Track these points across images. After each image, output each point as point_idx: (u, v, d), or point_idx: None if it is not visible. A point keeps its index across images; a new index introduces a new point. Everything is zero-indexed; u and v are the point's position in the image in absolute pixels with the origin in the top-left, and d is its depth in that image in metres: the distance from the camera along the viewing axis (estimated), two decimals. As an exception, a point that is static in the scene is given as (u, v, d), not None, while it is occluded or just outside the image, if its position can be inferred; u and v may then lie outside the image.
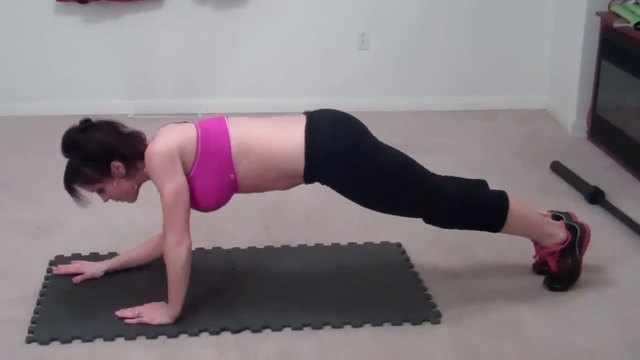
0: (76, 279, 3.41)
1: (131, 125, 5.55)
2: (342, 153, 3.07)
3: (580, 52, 5.26)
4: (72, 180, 3.10)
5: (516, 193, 4.24)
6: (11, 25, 5.46)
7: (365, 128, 3.23)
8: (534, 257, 3.50)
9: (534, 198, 4.22)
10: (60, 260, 3.59)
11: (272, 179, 3.12)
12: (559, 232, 3.37)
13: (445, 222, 3.29)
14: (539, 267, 3.50)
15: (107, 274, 3.44)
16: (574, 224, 3.41)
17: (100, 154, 3.04)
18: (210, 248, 3.69)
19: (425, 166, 4.74)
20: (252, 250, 3.72)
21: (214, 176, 3.07)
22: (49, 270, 3.51)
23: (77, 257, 3.61)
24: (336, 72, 5.75)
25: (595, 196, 4.27)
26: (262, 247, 3.75)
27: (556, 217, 3.48)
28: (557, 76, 5.72)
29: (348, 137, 3.12)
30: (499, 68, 5.85)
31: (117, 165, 3.05)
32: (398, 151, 3.25)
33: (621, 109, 5.00)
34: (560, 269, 3.38)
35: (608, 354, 3.03)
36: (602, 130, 5.11)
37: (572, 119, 5.37)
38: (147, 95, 5.68)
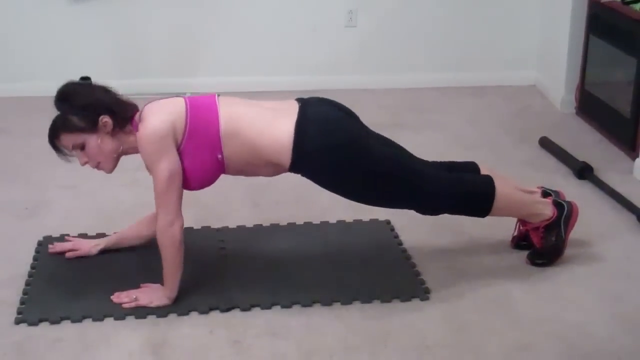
0: (69, 254, 3.42)
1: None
2: (330, 153, 3.06)
3: (568, 27, 5.26)
4: (57, 129, 3.05)
5: (505, 169, 4.26)
6: (-4, 5, 5.44)
7: (359, 123, 3.23)
8: (514, 231, 3.54)
9: (523, 174, 4.23)
10: (48, 241, 3.58)
11: (257, 165, 3.12)
12: (545, 210, 3.39)
13: (432, 212, 3.34)
14: (517, 241, 3.54)
15: (97, 253, 3.44)
16: (562, 202, 3.42)
17: (92, 105, 3.02)
18: (199, 227, 3.69)
19: (415, 143, 4.75)
20: (241, 229, 3.72)
21: (202, 154, 3.05)
22: (38, 251, 3.50)
23: (66, 237, 3.60)
24: (324, 49, 5.73)
25: (583, 171, 4.28)
26: (251, 225, 3.75)
27: (545, 193, 3.48)
28: (545, 52, 5.71)
29: (338, 137, 3.08)
30: (487, 44, 5.84)
31: (105, 120, 3.02)
32: (388, 146, 3.26)
33: (609, 84, 5.01)
34: (545, 245, 3.40)
35: (596, 328, 3.04)
36: (590, 105, 5.11)
37: (561, 95, 5.37)
38: (136, 74, 5.65)
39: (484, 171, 3.43)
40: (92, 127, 3.02)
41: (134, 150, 3.10)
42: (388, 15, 5.70)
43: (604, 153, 4.66)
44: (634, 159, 4.43)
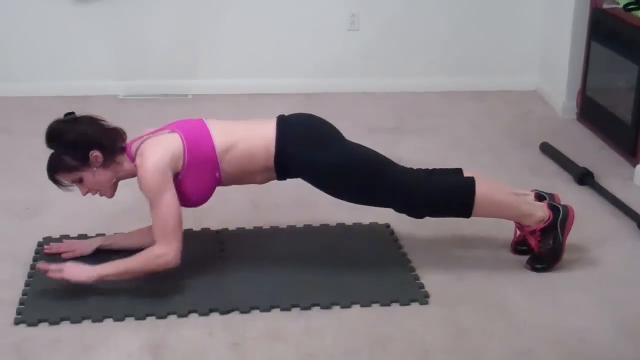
0: (65, 255, 3.44)
1: (122, 106, 5.56)
2: (309, 144, 3.23)
3: (570, 33, 5.26)
4: (54, 169, 3.18)
5: (505, 174, 4.27)
6: (-1, 5, 5.45)
7: (334, 127, 3.37)
8: (513, 237, 3.54)
9: (523, 179, 4.24)
10: (48, 241, 3.59)
11: (251, 172, 3.28)
12: (538, 212, 3.38)
13: (414, 211, 3.36)
14: (516, 246, 3.53)
15: (96, 255, 3.45)
16: (558, 205, 3.42)
17: (80, 143, 3.13)
18: (199, 229, 3.69)
19: (416, 147, 4.77)
20: (240, 231, 3.73)
21: (202, 177, 3.20)
22: (38, 252, 3.51)
23: (65, 238, 3.61)
24: (326, 53, 5.74)
25: (584, 177, 4.28)
26: (251, 228, 3.75)
27: (540, 196, 3.49)
28: (547, 58, 5.72)
29: (316, 130, 3.30)
30: (489, 49, 5.84)
31: (95, 155, 3.13)
32: (365, 147, 3.36)
33: (610, 90, 5.01)
34: (542, 249, 3.40)
35: (596, 333, 3.04)
36: (591, 111, 5.11)
37: (562, 100, 5.38)
38: (138, 76, 5.67)
39: (467, 174, 3.43)
40: (85, 163, 3.15)
41: (130, 175, 3.25)
42: (390, 19, 5.71)
43: (604, 159, 4.66)
44: (634, 165, 4.43)
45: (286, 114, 3.39)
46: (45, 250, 3.49)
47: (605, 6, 4.85)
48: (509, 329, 3.06)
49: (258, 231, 3.73)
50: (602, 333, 3.05)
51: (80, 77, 5.60)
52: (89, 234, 3.63)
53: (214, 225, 3.72)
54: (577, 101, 5.29)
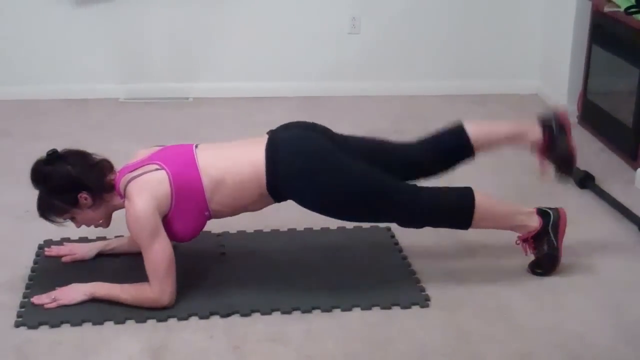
0: (66, 259, 3.45)
1: (122, 110, 5.55)
2: (301, 170, 3.15)
3: (571, 36, 5.26)
4: (44, 211, 3.16)
5: (506, 178, 4.26)
6: None
7: (327, 140, 3.27)
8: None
9: (525, 183, 4.23)
10: (49, 244, 3.59)
11: (245, 205, 3.23)
12: (530, 222, 3.34)
13: (414, 224, 3.33)
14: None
15: (97, 257, 3.45)
16: (547, 210, 3.37)
17: (67, 187, 3.10)
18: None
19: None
20: (241, 234, 3.72)
21: (190, 218, 3.16)
22: (38, 254, 3.51)
23: (66, 241, 3.61)
24: (327, 56, 5.74)
25: (585, 181, 4.28)
26: (252, 231, 3.75)
27: (543, 212, 3.40)
28: (548, 61, 5.72)
29: (305, 149, 3.19)
30: (490, 53, 5.84)
31: (84, 197, 3.11)
32: (359, 161, 3.27)
33: (611, 93, 5.01)
34: (538, 254, 3.38)
35: (597, 338, 3.03)
36: (592, 114, 5.11)
37: (563, 104, 5.37)
38: (138, 79, 5.67)
39: (474, 131, 3.47)
40: (74, 205, 3.13)
41: (122, 207, 3.18)
42: (391, 22, 5.71)
43: (605, 163, 4.66)
44: (635, 168, 4.43)
45: (284, 120, 3.33)
46: (46, 253, 3.49)
47: (606, 10, 4.85)
48: (509, 332, 3.06)
49: (259, 234, 3.73)
50: (602, 336, 3.04)
51: (80, 80, 5.60)
52: (89, 237, 3.63)
53: (215, 228, 3.71)
54: (578, 105, 5.28)
